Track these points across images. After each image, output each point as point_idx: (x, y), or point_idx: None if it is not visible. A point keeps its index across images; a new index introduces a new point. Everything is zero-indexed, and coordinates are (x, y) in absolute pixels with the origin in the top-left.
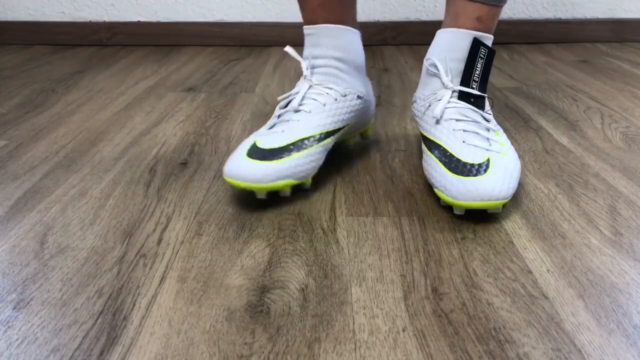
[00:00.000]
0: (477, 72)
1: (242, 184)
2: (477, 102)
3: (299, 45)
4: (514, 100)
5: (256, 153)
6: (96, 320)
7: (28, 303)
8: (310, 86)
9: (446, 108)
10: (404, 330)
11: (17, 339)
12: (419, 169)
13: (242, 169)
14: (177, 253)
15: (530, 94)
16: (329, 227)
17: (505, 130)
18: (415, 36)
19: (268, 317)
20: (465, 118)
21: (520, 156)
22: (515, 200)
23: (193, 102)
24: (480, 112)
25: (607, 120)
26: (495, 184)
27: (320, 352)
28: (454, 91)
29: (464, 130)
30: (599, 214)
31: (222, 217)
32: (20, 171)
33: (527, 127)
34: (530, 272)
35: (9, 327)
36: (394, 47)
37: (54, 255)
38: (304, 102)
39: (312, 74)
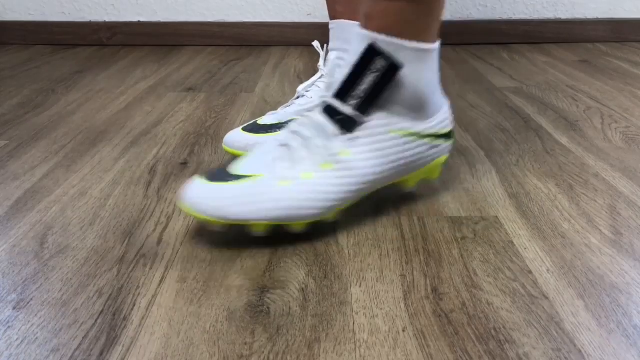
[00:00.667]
0: (363, 87)
1: None
2: (345, 123)
3: (298, 44)
4: (514, 100)
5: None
6: (96, 320)
7: (28, 303)
8: (322, 75)
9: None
10: (404, 330)
11: (17, 339)
12: None
13: None
14: (177, 253)
15: (530, 94)
16: (329, 227)
17: (505, 130)
18: None
19: (268, 317)
20: (296, 133)
21: (520, 156)
22: (516, 200)
23: (193, 102)
24: (325, 138)
25: (607, 120)
26: (201, 194)
27: (320, 352)
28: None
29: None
30: (599, 214)
31: None
32: (20, 171)
33: (527, 127)
34: (530, 272)
35: (9, 327)
36: None
37: (54, 255)
38: (310, 88)
39: (324, 65)
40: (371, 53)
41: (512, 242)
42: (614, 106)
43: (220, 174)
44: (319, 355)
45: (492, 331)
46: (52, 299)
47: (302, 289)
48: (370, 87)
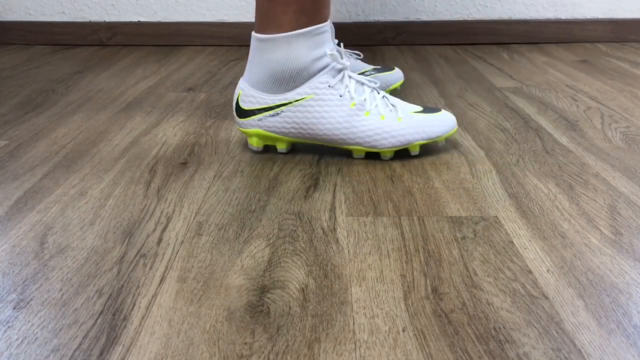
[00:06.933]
0: None
1: None
2: None
3: None
4: (513, 100)
5: None
6: (96, 320)
7: (28, 303)
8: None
9: None
10: (404, 330)
11: (17, 339)
12: (419, 169)
13: None
14: (177, 253)
15: (530, 94)
16: (329, 227)
17: (505, 130)
18: (415, 36)
19: (268, 317)
20: None
21: (520, 156)
22: (516, 200)
23: (193, 102)
24: None
25: (607, 120)
26: None
27: (320, 352)
28: None
29: None
30: (599, 214)
31: (222, 217)
32: (20, 171)
33: (527, 127)
34: (530, 272)
35: (9, 327)
36: (394, 47)
37: (54, 255)
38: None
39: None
40: None
41: (512, 242)
42: (614, 106)
43: None
44: (319, 355)
45: (492, 331)
46: (52, 299)
47: (302, 289)
48: None
